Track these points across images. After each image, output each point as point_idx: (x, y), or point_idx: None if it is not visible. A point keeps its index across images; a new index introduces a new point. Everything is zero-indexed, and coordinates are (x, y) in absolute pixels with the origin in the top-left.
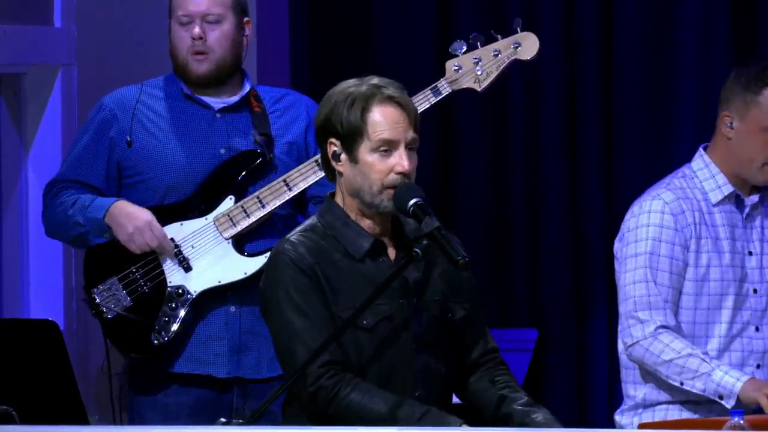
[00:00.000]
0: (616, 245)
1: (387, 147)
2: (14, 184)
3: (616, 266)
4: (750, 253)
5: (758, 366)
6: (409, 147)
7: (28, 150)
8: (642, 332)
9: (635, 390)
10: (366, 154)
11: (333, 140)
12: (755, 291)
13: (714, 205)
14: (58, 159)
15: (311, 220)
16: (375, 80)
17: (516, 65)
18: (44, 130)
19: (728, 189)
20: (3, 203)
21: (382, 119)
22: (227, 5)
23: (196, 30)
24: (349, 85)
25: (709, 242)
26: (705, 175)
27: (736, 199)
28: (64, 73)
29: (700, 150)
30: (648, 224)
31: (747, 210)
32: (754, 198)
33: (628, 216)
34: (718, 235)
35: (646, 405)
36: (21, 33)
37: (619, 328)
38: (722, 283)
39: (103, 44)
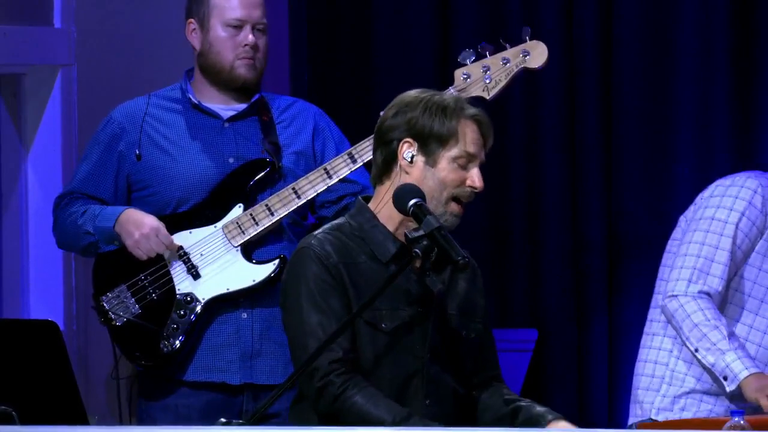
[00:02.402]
0: (686, 215)
1: (467, 160)
2: (14, 184)
3: (679, 233)
4: None
5: None
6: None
7: (28, 150)
8: (685, 288)
9: (659, 362)
10: (445, 162)
11: (410, 140)
12: None
13: None
14: (58, 159)
15: (339, 220)
16: (454, 95)
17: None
18: (44, 130)
19: None
20: (3, 203)
21: (470, 133)
22: (266, 15)
23: (251, 37)
24: (428, 93)
25: None
26: None
27: None
28: (64, 73)
29: None
30: (738, 196)
31: None
32: None
33: (711, 187)
34: None
35: (691, 392)
36: (21, 33)
37: (659, 278)
38: None
39: (103, 44)
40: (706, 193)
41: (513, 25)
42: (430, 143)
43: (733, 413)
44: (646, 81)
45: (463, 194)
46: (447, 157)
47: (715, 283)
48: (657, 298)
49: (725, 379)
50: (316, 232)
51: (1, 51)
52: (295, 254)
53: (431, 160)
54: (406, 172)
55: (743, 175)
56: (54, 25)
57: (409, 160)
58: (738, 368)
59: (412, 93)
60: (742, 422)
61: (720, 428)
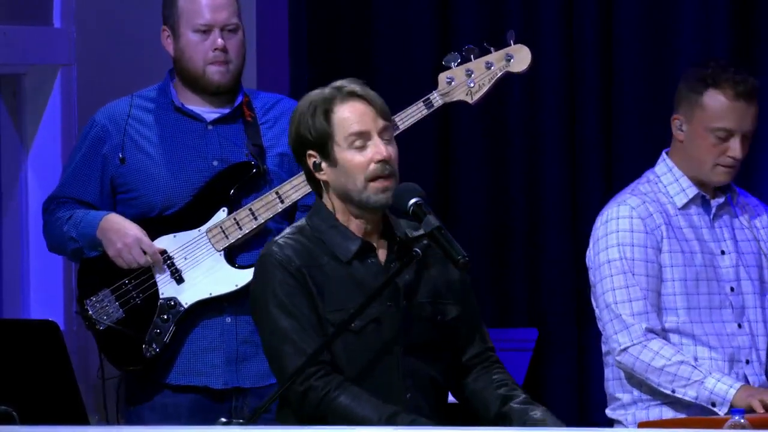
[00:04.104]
0: (588, 255)
1: (360, 140)
2: (14, 184)
3: (591, 276)
4: (723, 252)
5: (747, 362)
6: (383, 137)
7: (28, 150)
8: (629, 338)
9: (626, 390)
10: (342, 153)
11: (310, 152)
12: (732, 289)
13: (680, 209)
14: (58, 159)
15: (300, 222)
16: (336, 83)
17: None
18: (44, 130)
19: (693, 191)
20: (3, 203)
21: (348, 115)
22: (238, 13)
23: (220, 41)
24: (312, 94)
25: (680, 244)
26: (669, 180)
27: (702, 200)
28: (63, 73)
29: (663, 154)
30: (617, 230)
31: (713, 210)
32: (720, 199)
33: (596, 225)
34: (688, 236)
35: (640, 401)
36: (21, 33)
37: (603, 335)
38: (698, 284)
39: (103, 44)
40: (594, 233)
41: (513, 26)
42: (322, 145)
43: (733, 412)
44: (646, 81)
45: (376, 171)
46: (340, 149)
47: (646, 319)
48: (603, 337)
49: (714, 404)
50: (278, 236)
51: (1, 51)
52: (259, 262)
53: (332, 161)
54: (325, 182)
55: (613, 204)
56: (54, 25)
57: (319, 169)
58: (723, 389)
59: (303, 99)
60: (742, 421)
61: (720, 427)
